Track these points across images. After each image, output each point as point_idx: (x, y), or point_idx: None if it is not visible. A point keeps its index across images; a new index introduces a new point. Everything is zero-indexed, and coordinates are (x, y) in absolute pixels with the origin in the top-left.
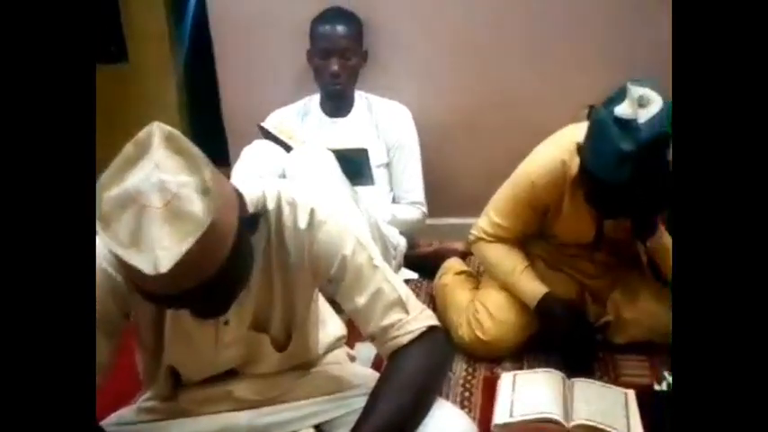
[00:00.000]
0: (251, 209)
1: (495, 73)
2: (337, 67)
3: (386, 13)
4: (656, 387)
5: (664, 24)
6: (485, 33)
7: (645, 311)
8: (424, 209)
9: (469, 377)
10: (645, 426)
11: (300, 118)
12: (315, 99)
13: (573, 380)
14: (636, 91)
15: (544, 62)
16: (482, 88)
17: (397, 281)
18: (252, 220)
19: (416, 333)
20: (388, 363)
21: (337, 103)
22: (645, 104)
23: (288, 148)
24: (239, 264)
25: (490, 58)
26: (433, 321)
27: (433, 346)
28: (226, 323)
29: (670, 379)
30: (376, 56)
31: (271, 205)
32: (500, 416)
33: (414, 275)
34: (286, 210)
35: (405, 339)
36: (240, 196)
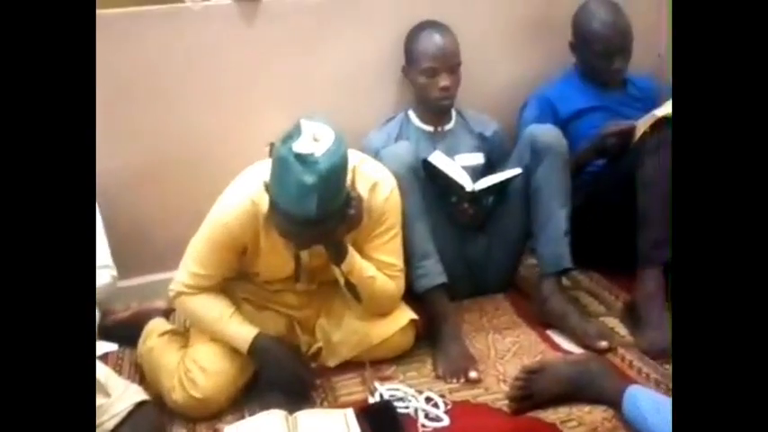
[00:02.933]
0: None
1: (173, 117)
2: None
3: None
4: (371, 399)
5: (331, 58)
6: (160, 77)
7: (350, 331)
8: (113, 271)
9: None
10: None
11: None
12: None
13: (296, 414)
14: (309, 126)
15: (224, 103)
16: (162, 134)
17: None
18: None
19: (122, 415)
20: None
21: None
22: (319, 138)
23: None
24: None
25: (168, 101)
26: (140, 396)
27: (142, 424)
28: None
29: (381, 389)
30: None
31: None
32: None
33: (113, 347)
34: None
35: (110, 425)
36: None
